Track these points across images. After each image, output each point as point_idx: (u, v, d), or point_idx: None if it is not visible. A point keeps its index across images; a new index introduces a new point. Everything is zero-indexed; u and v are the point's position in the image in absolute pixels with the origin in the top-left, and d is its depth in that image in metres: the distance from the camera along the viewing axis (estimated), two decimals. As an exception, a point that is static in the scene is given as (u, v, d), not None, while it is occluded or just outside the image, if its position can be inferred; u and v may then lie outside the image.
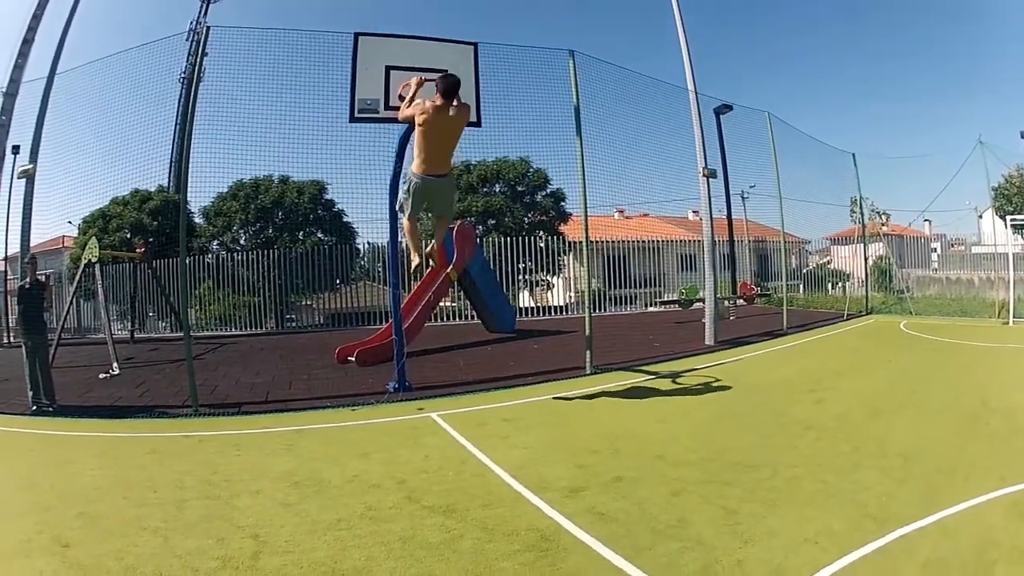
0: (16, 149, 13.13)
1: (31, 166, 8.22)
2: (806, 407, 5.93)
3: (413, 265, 5.87)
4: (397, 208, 5.85)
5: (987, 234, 23.87)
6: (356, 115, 6.54)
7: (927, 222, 25.11)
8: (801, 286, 22.44)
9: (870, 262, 18.11)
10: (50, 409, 6.41)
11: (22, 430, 5.82)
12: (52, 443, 5.43)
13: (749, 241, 22.39)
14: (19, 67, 14.01)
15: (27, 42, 14.36)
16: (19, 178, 8.26)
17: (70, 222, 17.82)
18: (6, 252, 14.54)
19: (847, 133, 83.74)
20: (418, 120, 5.43)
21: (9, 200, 12.79)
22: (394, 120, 6.31)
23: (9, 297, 14.70)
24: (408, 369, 7.26)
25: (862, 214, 17.40)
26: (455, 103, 5.51)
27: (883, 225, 18.87)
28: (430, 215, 6.59)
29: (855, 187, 17.15)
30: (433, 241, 6.21)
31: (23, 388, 6.48)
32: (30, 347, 6.49)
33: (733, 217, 19.44)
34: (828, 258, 25.96)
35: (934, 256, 24.23)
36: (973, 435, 4.72)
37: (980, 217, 25.38)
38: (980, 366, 7.92)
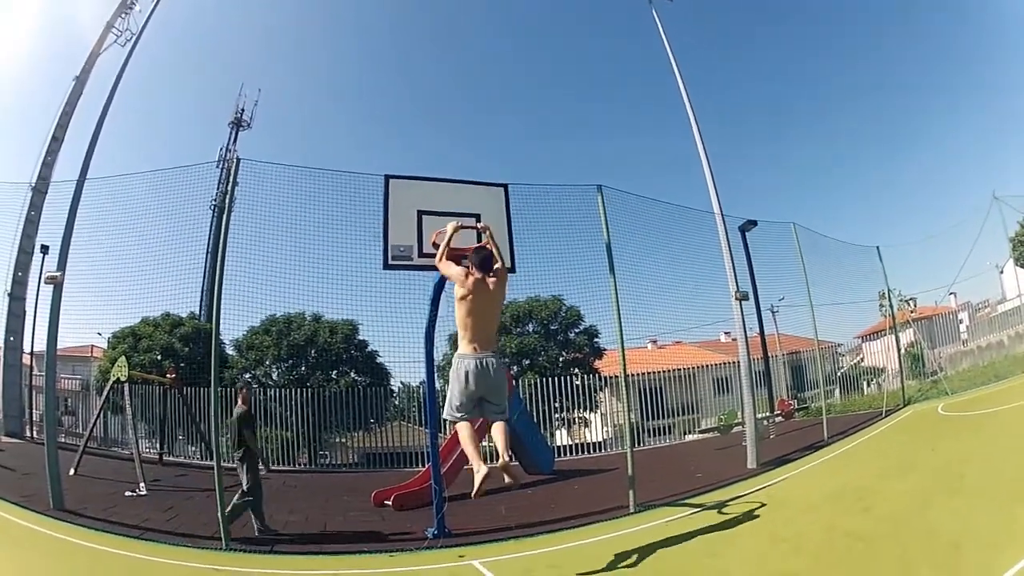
0: (45, 249, 12.92)
1: (59, 274, 8.02)
2: (853, 517, 5.83)
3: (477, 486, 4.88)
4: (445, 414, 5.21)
5: (1010, 289, 23.45)
6: (390, 262, 6.63)
7: (952, 295, 24.36)
8: (837, 390, 21.77)
9: (902, 351, 17.80)
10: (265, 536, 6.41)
11: (42, 529, 5.89)
12: (73, 550, 5.49)
13: (783, 355, 21.98)
14: (48, 164, 14.32)
15: (56, 139, 14.72)
16: (46, 283, 8.07)
17: (99, 334, 17.90)
18: (32, 347, 14.72)
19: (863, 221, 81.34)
20: (457, 293, 5.14)
21: (37, 297, 13.06)
22: (428, 267, 6.49)
23: (36, 393, 14.69)
24: (447, 514, 7.04)
25: (891, 307, 17.06)
26: (491, 275, 5.20)
27: (912, 312, 18.54)
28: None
29: (881, 281, 16.87)
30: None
31: (44, 485, 6.45)
32: (250, 477, 6.65)
33: (765, 332, 19.14)
34: (860, 356, 25.37)
35: (962, 328, 23.45)
36: (1017, 504, 4.87)
37: (1001, 273, 24.78)
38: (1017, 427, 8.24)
